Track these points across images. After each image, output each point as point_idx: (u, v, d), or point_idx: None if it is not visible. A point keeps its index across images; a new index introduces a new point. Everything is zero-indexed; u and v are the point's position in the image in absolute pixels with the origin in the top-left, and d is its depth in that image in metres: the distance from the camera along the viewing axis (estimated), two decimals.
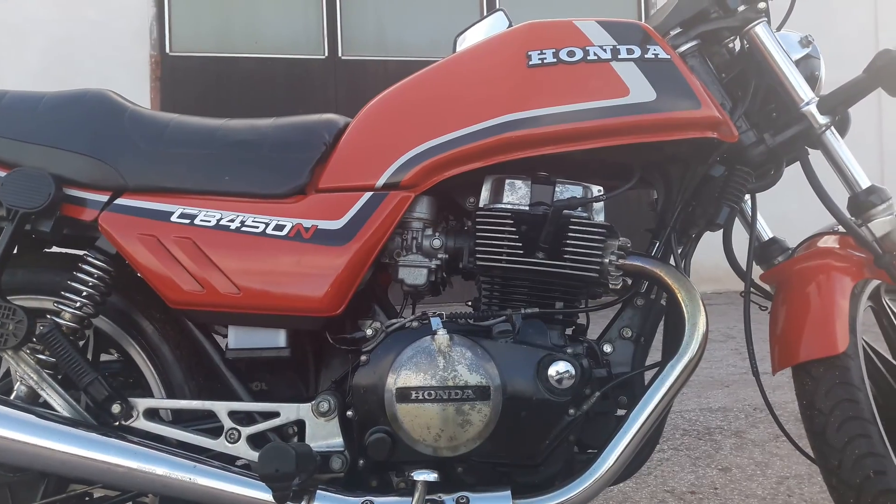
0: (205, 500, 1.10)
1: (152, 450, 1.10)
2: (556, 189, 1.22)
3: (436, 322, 1.15)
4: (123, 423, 1.16)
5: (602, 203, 1.23)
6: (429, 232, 1.25)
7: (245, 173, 1.24)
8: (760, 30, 1.27)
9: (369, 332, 1.20)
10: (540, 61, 1.20)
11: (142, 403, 1.18)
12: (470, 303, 1.32)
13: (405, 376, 1.12)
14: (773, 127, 1.29)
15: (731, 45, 1.34)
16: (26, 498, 1.21)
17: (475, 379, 1.11)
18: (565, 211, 1.18)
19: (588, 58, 1.20)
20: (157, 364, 1.26)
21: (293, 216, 1.20)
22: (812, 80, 1.31)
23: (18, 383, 1.20)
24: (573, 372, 1.12)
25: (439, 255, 1.24)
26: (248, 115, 1.35)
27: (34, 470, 1.16)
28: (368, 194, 1.21)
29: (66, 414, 1.17)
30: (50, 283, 1.28)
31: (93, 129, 1.26)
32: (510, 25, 1.38)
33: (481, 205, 1.23)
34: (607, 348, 1.24)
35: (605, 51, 1.20)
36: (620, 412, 1.23)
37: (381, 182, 1.22)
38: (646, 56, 1.19)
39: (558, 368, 1.12)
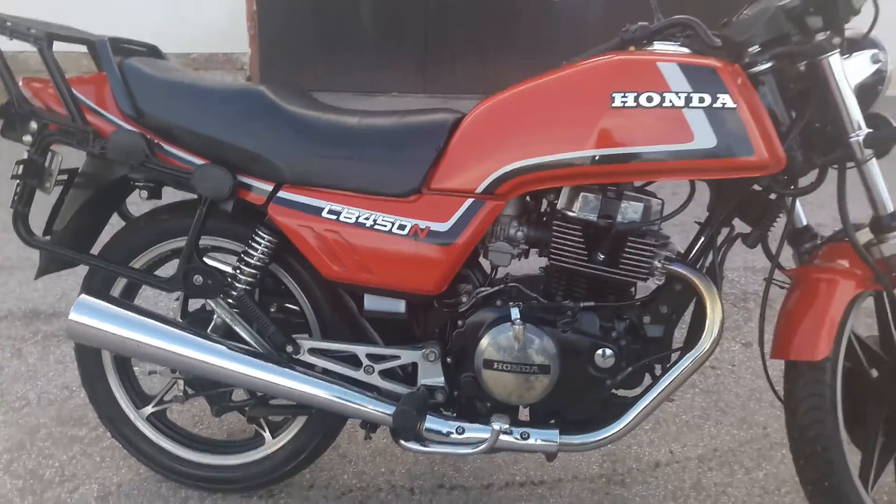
0: (349, 414, 1.64)
1: (315, 378, 1.61)
2: (622, 205, 1.50)
3: (514, 312, 1.53)
4: (294, 356, 1.67)
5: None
6: (514, 225, 1.58)
7: (373, 173, 1.55)
8: (833, 60, 1.39)
9: (464, 298, 1.61)
10: (622, 104, 1.40)
11: (306, 344, 1.67)
12: (542, 267, 1.68)
13: (489, 351, 1.55)
14: (820, 144, 1.46)
15: (800, 68, 1.44)
16: (219, 400, 1.81)
17: (540, 359, 1.54)
18: (624, 228, 1.48)
19: (664, 104, 1.39)
20: (319, 314, 1.70)
21: (412, 216, 1.53)
22: (873, 95, 1.45)
23: (216, 317, 1.70)
24: (614, 356, 1.54)
25: (521, 245, 1.59)
26: None
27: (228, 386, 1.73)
28: (470, 200, 1.52)
29: (253, 345, 1.67)
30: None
31: (255, 125, 1.55)
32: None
33: (559, 207, 1.53)
34: (646, 319, 1.60)
35: (679, 98, 1.38)
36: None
37: (480, 189, 1.51)
38: (714, 105, 1.37)
39: (602, 353, 1.54)
